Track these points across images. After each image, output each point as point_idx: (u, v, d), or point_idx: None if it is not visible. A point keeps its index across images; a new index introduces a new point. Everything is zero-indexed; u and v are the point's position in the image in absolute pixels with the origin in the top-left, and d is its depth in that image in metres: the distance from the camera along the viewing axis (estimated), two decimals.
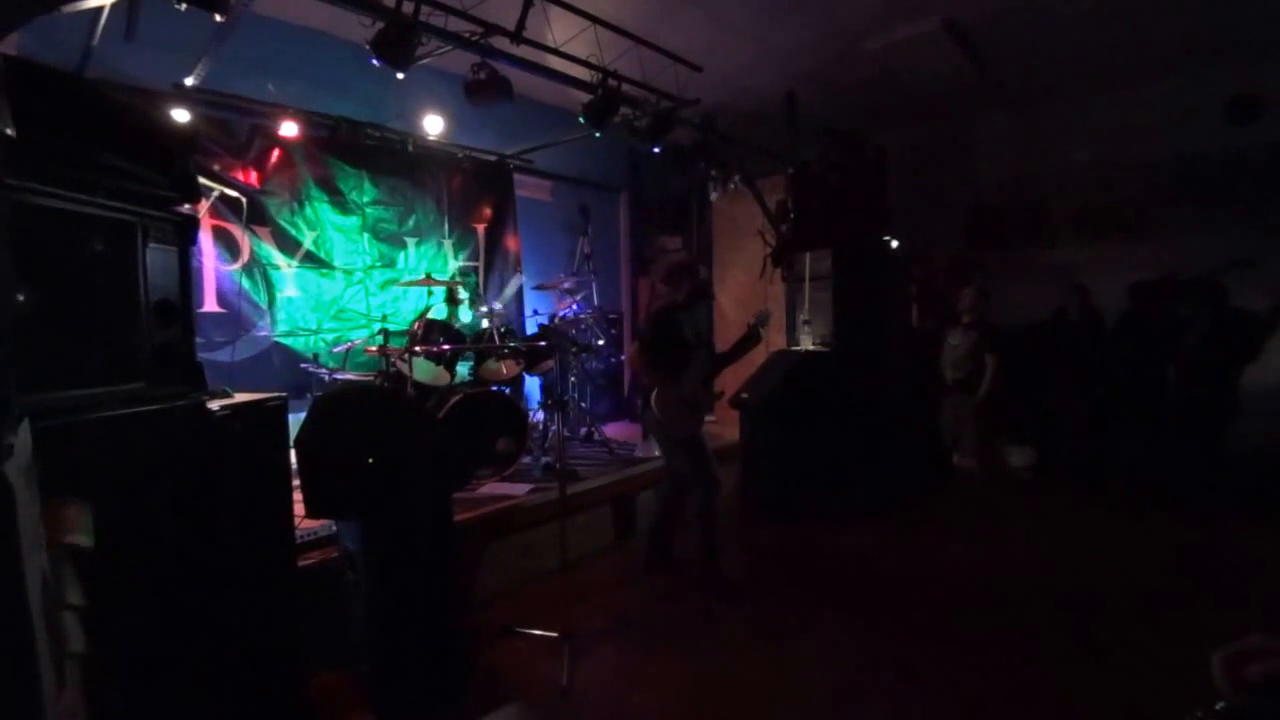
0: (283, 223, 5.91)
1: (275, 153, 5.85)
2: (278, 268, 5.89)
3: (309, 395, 5.13)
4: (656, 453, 6.03)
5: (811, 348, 6.70)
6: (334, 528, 3.72)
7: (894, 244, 7.32)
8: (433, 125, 6.59)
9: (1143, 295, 6.18)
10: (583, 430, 6.90)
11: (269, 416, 2.81)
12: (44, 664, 1.51)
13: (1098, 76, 7.31)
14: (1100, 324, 6.45)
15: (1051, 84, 7.56)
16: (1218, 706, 1.14)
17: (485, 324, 5.99)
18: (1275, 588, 4.37)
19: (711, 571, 4.53)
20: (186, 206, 2.75)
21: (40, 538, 1.73)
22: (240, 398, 2.74)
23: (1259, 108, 6.36)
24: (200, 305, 5.31)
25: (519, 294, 7.74)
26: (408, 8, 4.37)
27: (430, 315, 5.77)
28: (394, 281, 6.54)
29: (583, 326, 7.17)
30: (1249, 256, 5.63)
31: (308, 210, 6.06)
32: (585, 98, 5.63)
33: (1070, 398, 6.47)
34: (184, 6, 3.60)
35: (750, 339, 4.66)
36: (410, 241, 6.84)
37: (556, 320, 6.96)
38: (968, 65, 6.68)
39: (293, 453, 3.04)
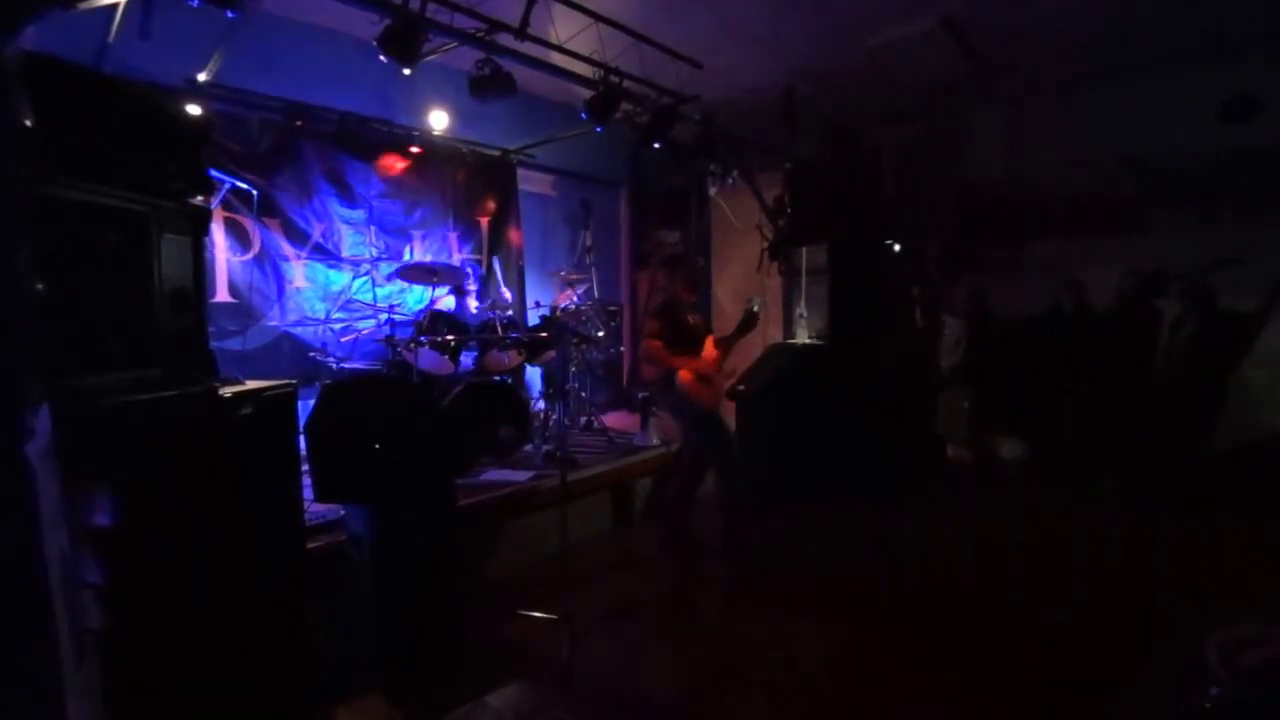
0: (292, 215, 6.01)
1: (284, 147, 5.95)
2: (287, 259, 5.99)
3: (317, 383, 5.22)
4: (655, 440, 6.16)
5: (807, 341, 6.77)
6: (342, 511, 3.81)
7: (896, 247, 7.38)
8: (438, 120, 6.69)
9: (1130, 292, 6.23)
10: (583, 419, 6.98)
11: (279, 403, 2.85)
12: (63, 639, 1.59)
13: (1094, 74, 7.33)
14: (1093, 319, 6.51)
15: (1048, 81, 7.58)
16: (1212, 691, 1.16)
17: (490, 315, 6.09)
18: (1256, 581, 4.46)
19: (731, 549, 4.68)
20: (199, 198, 2.83)
21: (60, 518, 1.81)
22: (251, 385, 2.78)
23: (1253, 108, 6.39)
24: (212, 295, 5.40)
25: (521, 286, 7.84)
26: (414, 5, 4.44)
27: (436, 306, 5.87)
28: (399, 274, 6.64)
29: (583, 318, 7.24)
30: (1239, 255, 5.68)
31: (316, 203, 6.17)
32: (587, 94, 5.69)
33: (1062, 392, 6.53)
34: (197, 3, 3.70)
35: (748, 322, 4.83)
36: (416, 234, 6.93)
37: (558, 312, 7.04)
38: (965, 62, 6.72)
39: (302, 439, 3.11)
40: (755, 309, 4.79)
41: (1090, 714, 3.10)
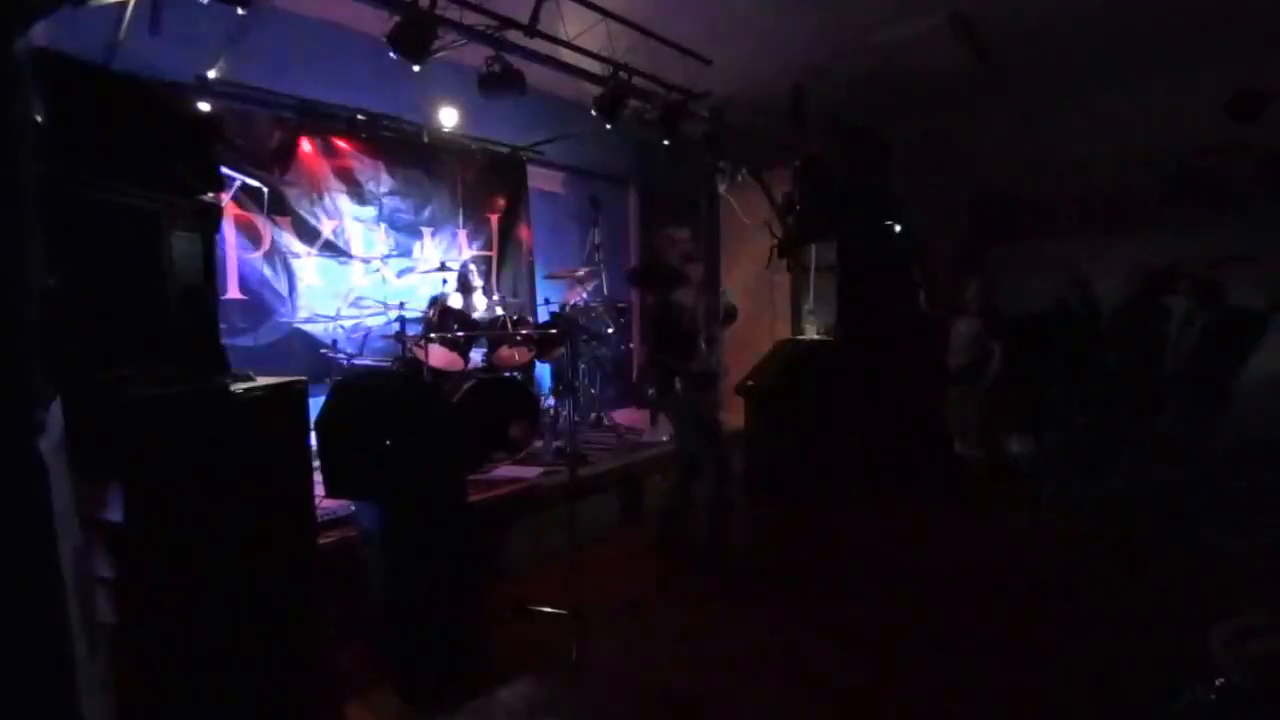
0: (302, 212, 6.02)
1: (295, 144, 5.97)
2: (298, 256, 6.01)
3: (328, 380, 5.23)
4: (664, 438, 6.16)
5: (816, 337, 6.77)
6: (352, 507, 3.83)
7: (897, 228, 7.35)
8: (448, 117, 6.70)
9: (1137, 289, 6.20)
10: (592, 415, 6.99)
11: (290, 399, 2.86)
12: (76, 633, 1.60)
13: (1103, 70, 7.27)
14: (1099, 316, 6.49)
15: (1056, 77, 7.51)
16: (1217, 681, 1.16)
17: (499, 311, 6.10)
18: (1256, 579, 4.45)
19: (717, 552, 4.62)
20: (210, 195, 2.85)
21: (73, 513, 1.82)
22: (262, 381, 2.79)
23: (1262, 104, 6.34)
24: (224, 292, 5.42)
25: (531, 283, 7.85)
26: (424, 2, 4.45)
27: (445, 303, 5.89)
28: (411, 270, 6.66)
29: (593, 315, 7.24)
30: (1250, 252, 5.65)
31: (326, 200, 6.18)
32: (597, 90, 5.69)
33: (1069, 389, 6.51)
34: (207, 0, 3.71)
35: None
36: (426, 231, 6.94)
37: (567, 309, 7.05)
38: (973, 58, 6.68)
39: (313, 435, 3.12)
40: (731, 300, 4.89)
41: (1097, 708, 3.09)
